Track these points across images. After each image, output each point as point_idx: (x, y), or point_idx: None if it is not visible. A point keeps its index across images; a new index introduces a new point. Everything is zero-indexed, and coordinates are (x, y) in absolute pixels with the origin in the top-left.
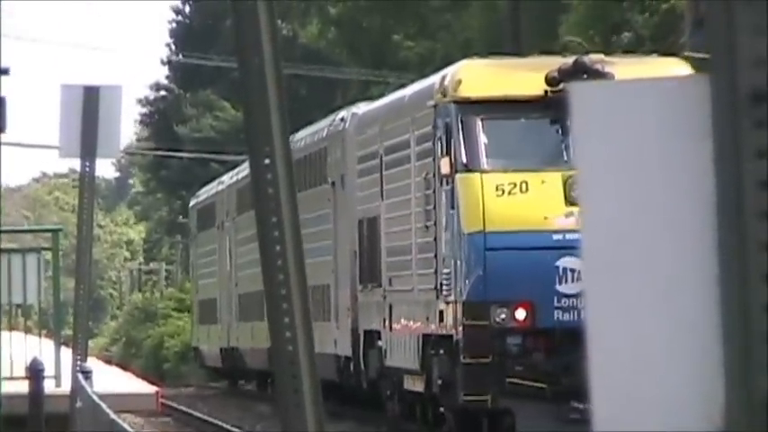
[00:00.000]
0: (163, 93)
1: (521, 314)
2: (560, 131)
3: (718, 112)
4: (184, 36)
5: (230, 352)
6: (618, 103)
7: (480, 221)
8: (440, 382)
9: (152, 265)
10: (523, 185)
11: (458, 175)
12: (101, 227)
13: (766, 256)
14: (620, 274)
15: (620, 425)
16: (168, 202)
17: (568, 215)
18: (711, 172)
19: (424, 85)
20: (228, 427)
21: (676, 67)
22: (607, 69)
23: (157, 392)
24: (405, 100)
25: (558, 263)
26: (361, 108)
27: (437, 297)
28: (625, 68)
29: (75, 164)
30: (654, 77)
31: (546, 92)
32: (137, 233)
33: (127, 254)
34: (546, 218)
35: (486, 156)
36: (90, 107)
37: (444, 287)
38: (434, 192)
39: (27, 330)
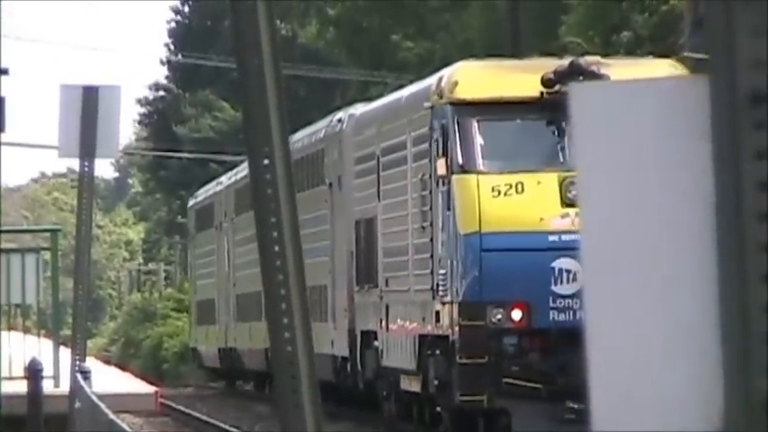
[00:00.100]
0: (162, 93)
1: (517, 315)
2: (556, 133)
3: (717, 113)
4: (183, 36)
5: (228, 352)
6: (617, 103)
7: (476, 222)
8: (436, 382)
9: (151, 266)
10: (519, 187)
11: (454, 177)
12: (100, 227)
13: (765, 257)
14: (620, 274)
15: (619, 425)
16: (167, 203)
17: (564, 216)
18: (710, 173)
19: (420, 87)
20: (227, 427)
21: (671, 69)
22: (603, 71)
23: (156, 393)
24: (401, 101)
25: (553, 264)
26: (359, 109)
27: (433, 297)
28: (620, 70)
29: (74, 164)
30: (654, 78)
31: (542, 93)
32: (136, 233)
33: (126, 254)
34: (542, 219)
35: (483, 157)
36: (89, 107)
37: (441, 288)
38: (431, 193)
39: (26, 330)
